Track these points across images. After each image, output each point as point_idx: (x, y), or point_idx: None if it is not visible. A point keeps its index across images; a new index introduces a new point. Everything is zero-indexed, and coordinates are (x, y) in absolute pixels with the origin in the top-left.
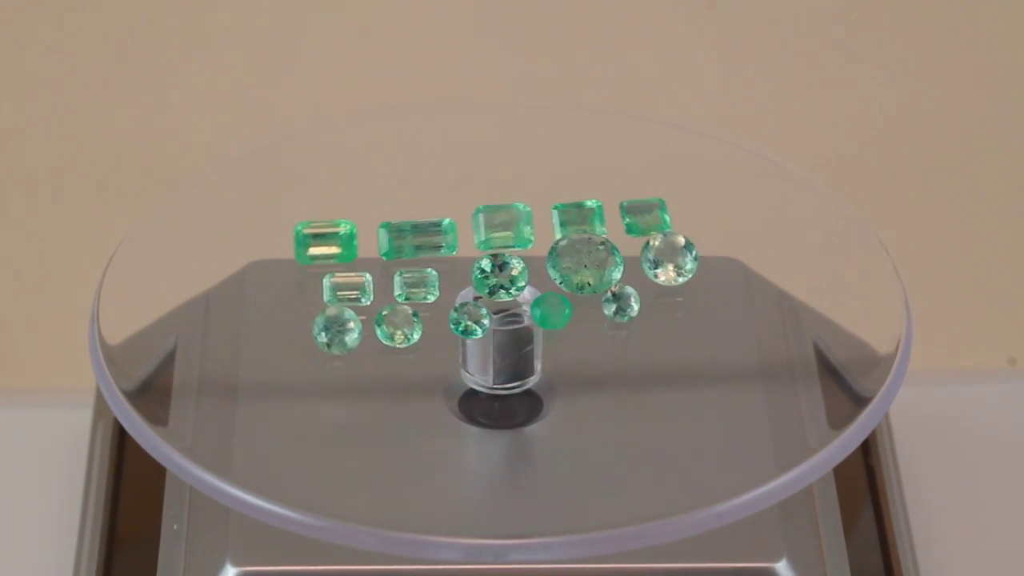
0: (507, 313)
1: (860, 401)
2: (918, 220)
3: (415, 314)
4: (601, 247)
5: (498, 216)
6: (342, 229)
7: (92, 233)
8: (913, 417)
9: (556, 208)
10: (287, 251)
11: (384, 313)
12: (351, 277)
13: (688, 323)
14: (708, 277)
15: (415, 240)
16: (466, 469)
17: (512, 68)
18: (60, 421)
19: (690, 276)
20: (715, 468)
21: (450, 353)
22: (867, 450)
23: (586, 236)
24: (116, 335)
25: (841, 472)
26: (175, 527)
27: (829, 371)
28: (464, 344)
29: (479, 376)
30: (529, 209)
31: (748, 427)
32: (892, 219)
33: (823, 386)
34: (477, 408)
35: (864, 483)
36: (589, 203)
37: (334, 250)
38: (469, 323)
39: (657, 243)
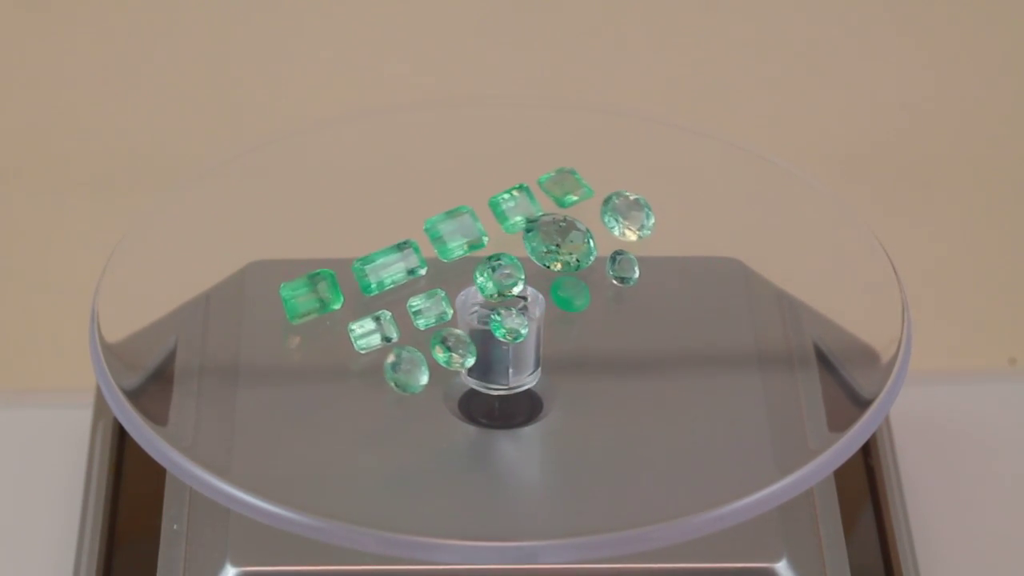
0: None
1: (860, 402)
2: (918, 220)
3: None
4: (575, 229)
5: (450, 224)
6: (322, 283)
7: (92, 233)
8: (913, 417)
9: (493, 201)
10: (287, 251)
11: (442, 336)
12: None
13: (688, 323)
14: (708, 277)
15: (384, 273)
16: (466, 469)
17: (512, 68)
18: (60, 421)
19: (648, 235)
20: (715, 470)
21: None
22: (867, 450)
23: (560, 216)
24: (116, 335)
25: (841, 472)
26: (175, 527)
27: (829, 371)
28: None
29: (478, 376)
30: (471, 209)
31: (748, 428)
32: (892, 219)
33: (823, 387)
34: (477, 408)
35: (864, 483)
36: (516, 191)
37: (319, 303)
38: (511, 326)
39: (618, 201)
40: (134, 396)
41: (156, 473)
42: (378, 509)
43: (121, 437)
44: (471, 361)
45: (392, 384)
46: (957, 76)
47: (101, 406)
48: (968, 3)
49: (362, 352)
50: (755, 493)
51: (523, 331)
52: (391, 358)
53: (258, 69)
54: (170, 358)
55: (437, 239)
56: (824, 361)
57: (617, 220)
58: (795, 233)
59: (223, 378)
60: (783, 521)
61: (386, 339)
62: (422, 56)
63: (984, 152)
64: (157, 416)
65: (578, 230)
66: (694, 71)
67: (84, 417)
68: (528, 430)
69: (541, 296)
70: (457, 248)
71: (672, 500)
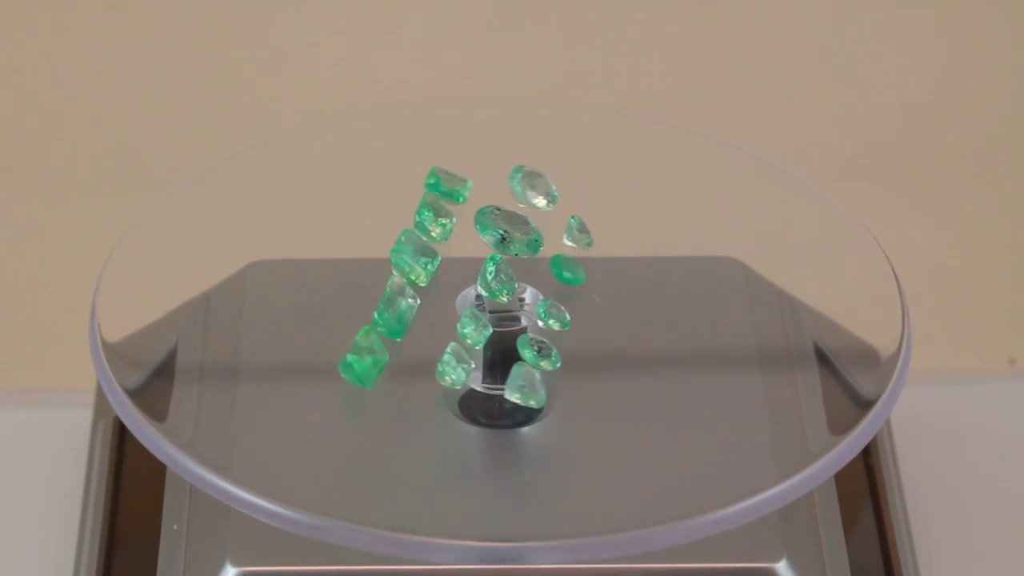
0: (506, 314)
1: (860, 403)
2: (918, 220)
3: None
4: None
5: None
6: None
7: (92, 233)
8: (913, 417)
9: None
10: (287, 251)
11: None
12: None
13: (688, 323)
14: (708, 277)
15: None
16: (466, 469)
17: (512, 68)
18: (60, 421)
19: (554, 205)
20: (716, 472)
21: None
22: (867, 451)
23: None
24: (116, 334)
25: (841, 473)
26: (175, 527)
27: (829, 372)
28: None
29: (479, 376)
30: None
31: (749, 429)
32: (893, 219)
33: (823, 387)
34: (477, 408)
35: (864, 483)
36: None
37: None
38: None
39: (524, 172)
40: (134, 394)
41: (156, 473)
42: (377, 508)
43: (121, 437)
44: (558, 364)
45: (517, 399)
46: (957, 76)
47: (101, 406)
48: (968, 3)
49: (455, 387)
50: (755, 496)
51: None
52: (522, 382)
53: (258, 69)
54: (170, 358)
55: (401, 267)
56: (824, 361)
57: (523, 188)
58: (795, 233)
59: (223, 378)
60: (783, 521)
61: (464, 365)
62: (422, 56)
63: (984, 152)
64: (157, 414)
65: (523, 218)
66: (694, 72)
67: (84, 417)
68: (528, 430)
69: (542, 296)
70: (420, 269)
71: (671, 501)
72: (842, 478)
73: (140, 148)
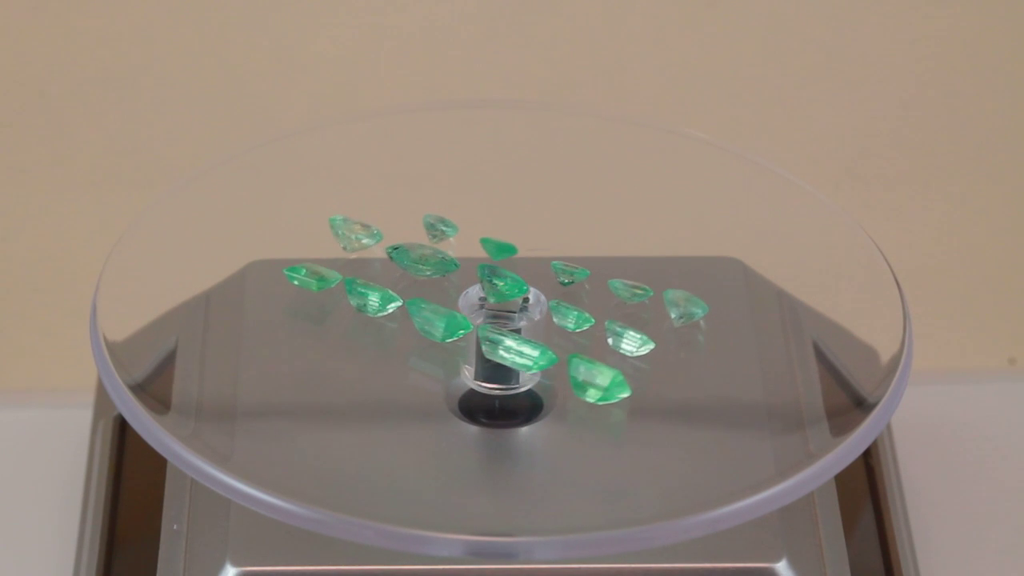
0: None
1: (861, 404)
2: (918, 220)
3: None
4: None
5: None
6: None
7: (92, 233)
8: (913, 417)
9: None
10: (287, 251)
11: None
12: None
13: (688, 323)
14: (708, 277)
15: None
16: (466, 467)
17: (513, 70)
18: (60, 421)
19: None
20: (716, 471)
21: (451, 353)
22: (867, 451)
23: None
24: (117, 333)
25: (841, 473)
26: (175, 527)
27: (830, 372)
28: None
29: (479, 376)
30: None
31: (749, 429)
32: (892, 219)
33: (823, 387)
34: (477, 408)
35: (864, 483)
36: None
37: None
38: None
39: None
40: (135, 389)
41: (156, 473)
42: (377, 503)
43: (121, 437)
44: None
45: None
46: (956, 77)
47: (101, 405)
48: (968, 3)
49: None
50: (755, 495)
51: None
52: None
53: (258, 69)
54: (170, 357)
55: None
56: (824, 361)
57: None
58: (795, 233)
59: (223, 378)
60: (783, 521)
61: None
62: (422, 57)
63: (984, 153)
64: (158, 409)
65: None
66: (693, 75)
67: (84, 417)
68: (528, 430)
69: (544, 297)
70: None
71: (671, 500)
72: (842, 478)
73: (140, 148)
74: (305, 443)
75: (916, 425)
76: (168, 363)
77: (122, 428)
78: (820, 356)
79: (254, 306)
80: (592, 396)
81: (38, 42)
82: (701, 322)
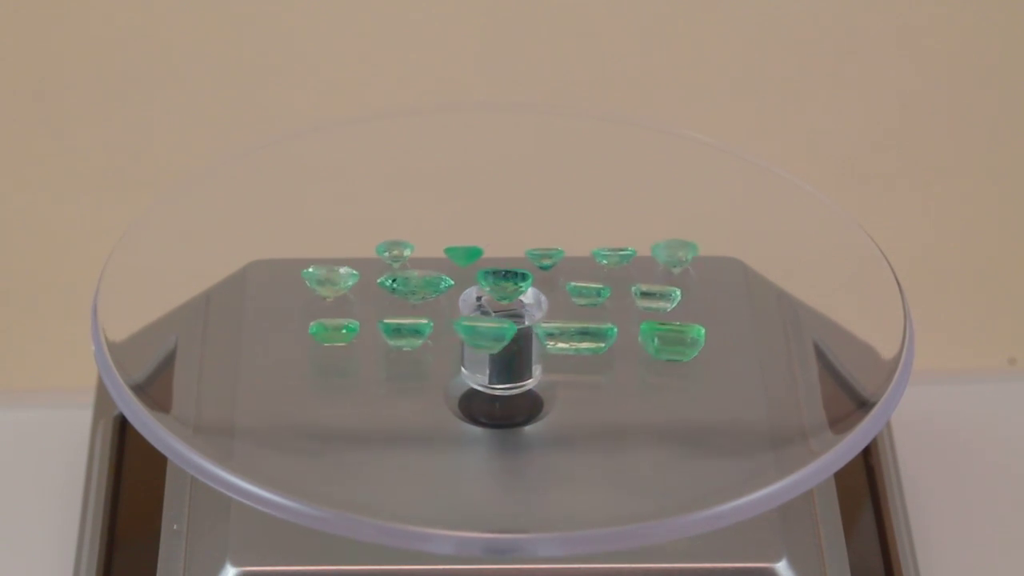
0: (507, 313)
1: (861, 403)
2: (918, 220)
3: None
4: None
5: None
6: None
7: (92, 233)
8: (913, 417)
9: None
10: (287, 251)
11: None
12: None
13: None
14: (708, 277)
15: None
16: (466, 466)
17: (512, 72)
18: (60, 421)
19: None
20: (715, 469)
21: (451, 353)
22: (867, 450)
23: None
24: (117, 333)
25: (841, 472)
26: (175, 527)
27: (830, 372)
28: (464, 344)
29: (479, 376)
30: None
31: (748, 428)
32: (892, 219)
33: (823, 387)
34: (477, 408)
35: (864, 483)
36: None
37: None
38: None
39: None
40: (136, 389)
41: (156, 473)
42: (378, 501)
43: (121, 437)
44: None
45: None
46: (956, 77)
47: (101, 405)
48: (968, 3)
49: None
50: (755, 493)
51: None
52: None
53: (259, 69)
54: (170, 357)
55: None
56: (824, 361)
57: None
58: (795, 233)
59: (224, 378)
60: (783, 521)
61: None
62: (422, 58)
63: (984, 152)
64: (158, 408)
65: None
66: (693, 75)
67: (84, 417)
68: (528, 430)
69: (544, 297)
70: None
71: (671, 499)
72: (842, 478)
73: (141, 148)
74: (305, 441)
75: (916, 425)
76: (168, 363)
77: (122, 428)
78: (820, 356)
79: (254, 306)
80: (688, 354)
81: (38, 42)
82: (691, 268)
